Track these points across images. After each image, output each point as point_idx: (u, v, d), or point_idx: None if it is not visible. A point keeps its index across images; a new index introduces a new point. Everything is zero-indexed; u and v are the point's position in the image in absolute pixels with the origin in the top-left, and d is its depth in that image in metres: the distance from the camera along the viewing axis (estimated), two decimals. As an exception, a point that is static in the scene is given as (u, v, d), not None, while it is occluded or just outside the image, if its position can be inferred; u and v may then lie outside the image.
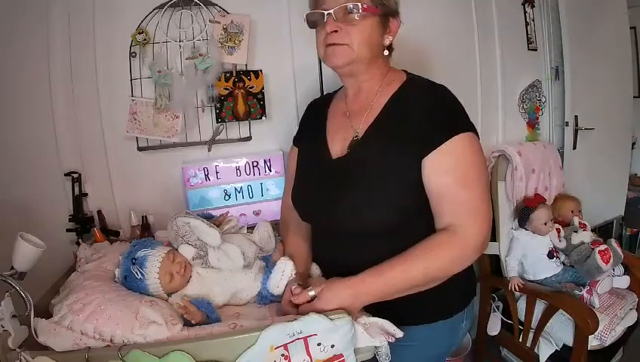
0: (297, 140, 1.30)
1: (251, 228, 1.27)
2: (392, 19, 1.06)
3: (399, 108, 1.04)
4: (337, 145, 1.11)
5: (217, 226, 1.18)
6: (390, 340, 0.91)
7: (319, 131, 1.18)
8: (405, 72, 1.13)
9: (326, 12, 1.00)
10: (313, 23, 1.05)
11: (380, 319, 0.92)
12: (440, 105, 1.02)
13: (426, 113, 1.00)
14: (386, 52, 1.09)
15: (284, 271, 1.06)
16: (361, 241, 1.03)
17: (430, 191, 0.99)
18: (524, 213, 1.89)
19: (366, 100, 1.10)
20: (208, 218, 1.25)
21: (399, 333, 0.91)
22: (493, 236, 2.04)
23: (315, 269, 1.15)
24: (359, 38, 1.01)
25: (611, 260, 1.76)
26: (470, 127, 1.00)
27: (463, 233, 0.96)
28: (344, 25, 1.00)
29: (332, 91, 1.30)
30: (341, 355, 0.87)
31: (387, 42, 1.07)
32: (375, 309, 0.97)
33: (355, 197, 1.02)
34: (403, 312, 0.99)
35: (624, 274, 1.89)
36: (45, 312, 0.97)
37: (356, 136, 1.08)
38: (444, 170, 0.97)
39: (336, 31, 1.01)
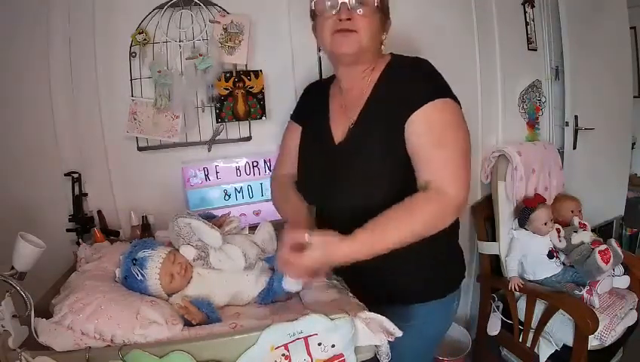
0: (298, 118, 1.34)
1: (253, 229, 1.27)
2: (387, 20, 1.15)
3: (385, 87, 1.10)
4: (339, 132, 1.17)
5: (219, 227, 1.18)
6: (390, 339, 0.91)
7: (322, 118, 1.22)
8: (391, 54, 1.18)
9: (341, 0, 1.05)
10: (322, 10, 1.09)
11: (380, 316, 0.92)
12: (417, 75, 1.08)
13: (405, 84, 1.07)
14: (382, 47, 1.14)
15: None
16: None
17: (410, 153, 1.03)
18: (524, 213, 1.90)
19: (358, 92, 1.14)
20: (210, 218, 1.25)
21: (398, 332, 0.91)
22: (493, 236, 2.04)
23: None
24: (369, 28, 1.06)
25: (611, 260, 1.76)
26: (448, 94, 1.05)
27: (441, 189, 0.98)
28: (356, 14, 1.05)
29: (327, 77, 1.35)
30: (341, 355, 0.87)
31: (383, 38, 1.14)
32: (373, 288, 1.03)
33: (356, 181, 1.09)
34: (399, 291, 1.07)
35: (624, 274, 1.89)
36: (46, 312, 0.96)
37: (352, 125, 1.13)
38: (421, 132, 1.01)
39: (349, 19, 1.05)
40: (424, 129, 1.01)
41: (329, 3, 1.07)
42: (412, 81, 1.07)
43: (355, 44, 1.06)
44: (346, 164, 1.11)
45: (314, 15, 1.14)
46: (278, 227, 1.31)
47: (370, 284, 1.08)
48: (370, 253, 0.96)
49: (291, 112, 1.39)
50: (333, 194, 1.14)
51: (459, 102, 1.07)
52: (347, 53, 1.08)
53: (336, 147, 1.16)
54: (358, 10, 1.05)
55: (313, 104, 1.29)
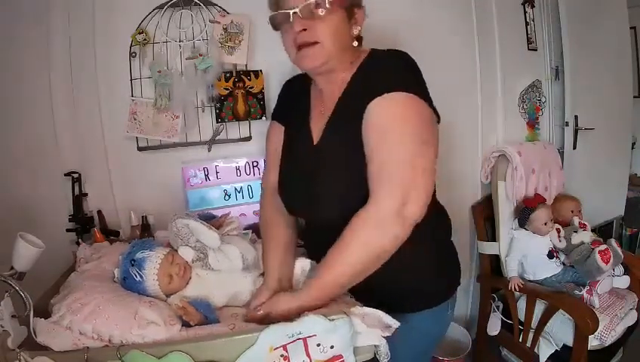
0: (281, 118, 1.25)
1: (255, 232, 1.28)
2: (357, 10, 1.03)
3: (359, 80, 1.03)
4: (317, 131, 1.11)
5: (218, 227, 1.18)
6: (387, 333, 0.90)
7: (304, 118, 1.15)
8: (372, 49, 1.09)
9: (291, 11, 0.96)
10: (278, 24, 1.03)
11: (376, 310, 0.91)
12: (388, 64, 1.01)
13: (376, 73, 1.00)
14: (355, 43, 1.05)
15: (303, 269, 1.09)
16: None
17: None
18: (524, 213, 1.89)
19: (336, 87, 1.08)
20: (209, 218, 1.25)
21: (396, 323, 0.91)
22: (493, 236, 2.04)
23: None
24: (329, 32, 0.98)
25: (611, 260, 1.76)
26: (416, 90, 0.96)
27: (375, 205, 0.93)
28: (311, 22, 0.97)
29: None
30: (340, 356, 0.87)
31: (356, 32, 1.04)
32: (364, 296, 0.99)
33: (331, 182, 1.03)
34: (391, 300, 1.01)
35: (624, 274, 1.89)
36: (45, 312, 0.96)
37: (326, 122, 1.08)
38: (369, 125, 0.95)
39: (304, 29, 0.98)
40: (373, 122, 0.94)
41: (279, 19, 1.00)
42: (381, 70, 1.00)
43: (318, 58, 0.99)
44: (322, 165, 1.05)
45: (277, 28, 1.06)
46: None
47: (361, 293, 1.03)
48: (322, 299, 0.96)
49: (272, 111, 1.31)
50: (311, 198, 1.08)
51: (430, 103, 0.99)
52: (314, 67, 1.02)
53: (314, 147, 1.10)
54: (317, 12, 0.95)
55: (295, 102, 1.22)
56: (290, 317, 0.92)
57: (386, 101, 0.95)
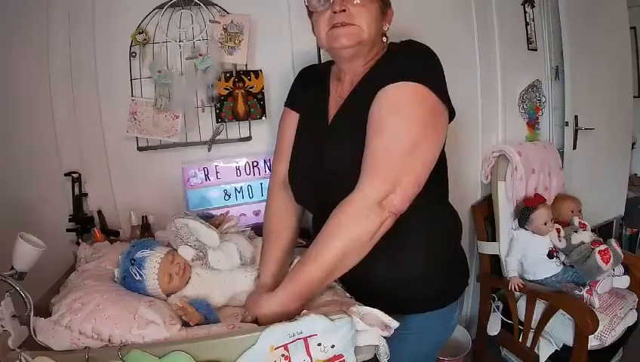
0: (295, 104, 1.24)
1: (253, 229, 1.27)
2: (388, 9, 1.08)
3: (372, 76, 1.03)
4: (331, 116, 1.12)
5: (217, 226, 1.18)
6: (386, 333, 0.90)
7: (322, 104, 1.15)
8: (390, 43, 1.11)
9: None
10: (315, 5, 1.03)
11: (374, 309, 0.91)
12: (404, 52, 1.02)
13: (393, 61, 1.02)
14: (385, 38, 1.08)
15: None
16: None
17: None
18: (524, 213, 1.89)
19: (355, 82, 1.08)
20: (208, 217, 1.25)
21: (395, 323, 0.90)
22: (493, 236, 2.04)
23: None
24: (367, 18, 0.99)
25: (611, 260, 1.76)
26: (416, 78, 0.94)
27: (358, 192, 0.92)
28: (352, 5, 0.99)
29: (323, 63, 1.26)
30: (341, 355, 0.87)
31: (385, 29, 1.07)
32: (368, 297, 0.98)
33: (335, 161, 1.03)
34: (397, 301, 1.00)
35: (624, 274, 1.89)
36: (46, 312, 0.96)
37: (341, 104, 1.09)
38: (373, 113, 0.95)
39: (343, 10, 0.98)
40: (375, 110, 0.95)
41: (317, 1, 1.01)
42: (395, 61, 1.01)
43: (354, 37, 0.99)
44: (332, 141, 1.06)
45: (310, 13, 1.07)
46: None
47: (365, 293, 1.02)
48: (303, 294, 0.95)
49: (285, 100, 1.29)
50: (319, 176, 1.07)
51: (443, 95, 0.97)
52: (346, 45, 1.00)
53: (327, 126, 1.10)
54: (354, 1, 0.98)
55: (312, 89, 1.20)
56: (274, 319, 0.91)
57: (391, 91, 0.95)
